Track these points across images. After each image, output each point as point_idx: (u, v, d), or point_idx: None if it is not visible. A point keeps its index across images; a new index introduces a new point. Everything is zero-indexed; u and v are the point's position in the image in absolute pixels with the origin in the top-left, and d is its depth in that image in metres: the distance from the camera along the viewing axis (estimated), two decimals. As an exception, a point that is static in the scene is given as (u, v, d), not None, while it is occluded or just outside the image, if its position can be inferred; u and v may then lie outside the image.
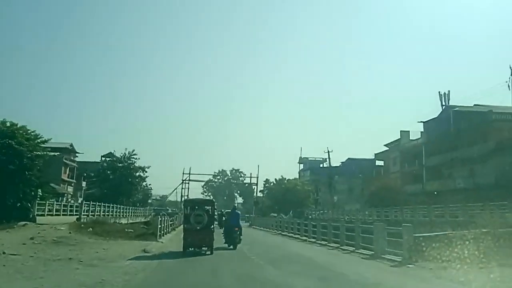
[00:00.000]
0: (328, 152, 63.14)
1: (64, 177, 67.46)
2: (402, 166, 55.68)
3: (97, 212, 31.74)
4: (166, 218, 27.48)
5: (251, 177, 75.42)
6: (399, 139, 57.71)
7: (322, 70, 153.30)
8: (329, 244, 21.40)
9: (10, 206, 27.73)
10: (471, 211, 31.93)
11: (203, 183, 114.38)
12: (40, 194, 33.19)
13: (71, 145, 68.48)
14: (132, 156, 56.14)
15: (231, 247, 18.58)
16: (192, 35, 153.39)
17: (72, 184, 71.08)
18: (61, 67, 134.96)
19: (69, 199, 58.71)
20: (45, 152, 31.26)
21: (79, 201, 50.74)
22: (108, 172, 55.77)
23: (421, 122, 52.16)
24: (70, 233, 21.36)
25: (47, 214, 27.95)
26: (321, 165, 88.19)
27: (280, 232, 35.31)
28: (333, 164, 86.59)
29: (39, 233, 21.15)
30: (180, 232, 31.16)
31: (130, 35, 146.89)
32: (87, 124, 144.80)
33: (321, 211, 57.58)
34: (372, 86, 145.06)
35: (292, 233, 30.62)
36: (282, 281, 9.94)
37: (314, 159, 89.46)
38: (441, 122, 48.88)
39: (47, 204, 29.22)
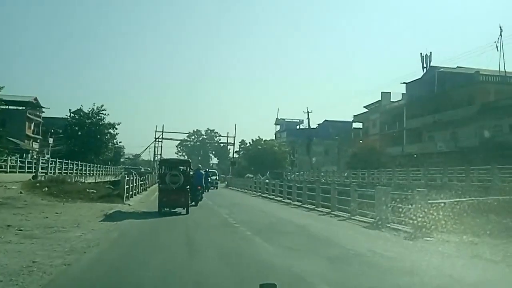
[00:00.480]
0: (308, 112, 60.74)
1: (29, 132, 62.99)
2: (382, 128, 53.78)
3: (58, 169, 28.35)
4: (135, 178, 24.60)
5: (227, 136, 72.17)
6: (379, 100, 55.56)
7: (300, 29, 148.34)
8: (316, 208, 19.10)
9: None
10: (450, 174, 30.33)
11: (177, 143, 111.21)
12: (-9, 148, 29.72)
13: (35, 99, 63.55)
14: (101, 112, 52.12)
15: (193, 203, 18.43)
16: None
17: (38, 141, 66.67)
18: (24, 9, 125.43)
19: (34, 156, 54.66)
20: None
21: (46, 158, 47.02)
22: (76, 128, 51.67)
23: (403, 83, 49.96)
24: (21, 193, 18.22)
25: (0, 171, 24.55)
26: (298, 127, 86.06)
27: (259, 193, 32.96)
28: (311, 126, 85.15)
29: (-18, 192, 17.98)
30: (152, 193, 28.81)
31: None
32: (53, 77, 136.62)
33: (298, 173, 55.47)
34: (351, 46, 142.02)
35: (273, 195, 28.25)
36: (282, 263, 7.27)
37: (291, 120, 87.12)
38: (425, 83, 46.76)
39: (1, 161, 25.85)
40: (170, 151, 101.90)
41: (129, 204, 18.29)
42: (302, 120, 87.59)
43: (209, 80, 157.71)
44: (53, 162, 28.77)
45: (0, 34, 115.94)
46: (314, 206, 19.58)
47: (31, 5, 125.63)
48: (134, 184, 23.19)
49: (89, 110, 51.84)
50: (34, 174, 23.54)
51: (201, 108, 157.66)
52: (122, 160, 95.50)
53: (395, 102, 53.16)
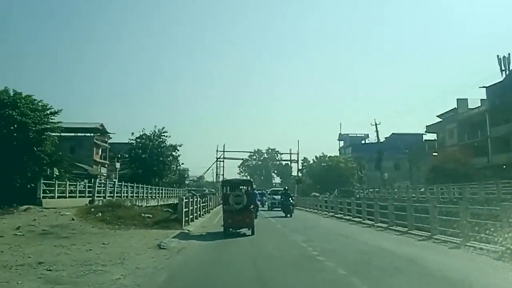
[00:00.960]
0: (376, 124, 56.05)
1: (97, 158, 63.85)
2: (460, 138, 48.14)
3: (117, 193, 26.79)
4: (196, 200, 22.27)
5: (290, 153, 68.56)
6: (455, 108, 50.11)
7: (363, 39, 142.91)
8: (409, 231, 15.45)
9: (17, 187, 23.25)
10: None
11: (239, 163, 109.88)
12: (57, 173, 28.74)
13: (102, 125, 64.41)
14: (163, 134, 51.26)
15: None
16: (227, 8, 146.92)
17: (106, 165, 67.67)
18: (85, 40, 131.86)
19: (102, 181, 54.90)
20: (56, 125, 26.43)
21: (108, 182, 46.63)
22: (139, 151, 51.09)
23: (482, 87, 44.44)
24: (72, 219, 16.29)
25: (59, 196, 23.22)
26: (363, 141, 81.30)
27: (331, 213, 29.56)
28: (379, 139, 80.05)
29: (34, 219, 16.24)
30: (215, 215, 26.37)
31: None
32: (116, 104, 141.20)
33: (368, 190, 50.99)
34: (414, 55, 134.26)
35: (349, 215, 24.70)
36: None
37: (355, 135, 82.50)
38: (509, 86, 41.10)
39: (60, 185, 24.59)
40: (232, 171, 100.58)
41: (188, 230, 15.78)
42: (367, 135, 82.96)
43: (267, 98, 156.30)
44: (112, 186, 27.30)
45: (64, 65, 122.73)
46: (405, 229, 15.96)
47: (91, 36, 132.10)
48: (195, 207, 20.83)
49: (151, 132, 51.21)
50: (91, 198, 21.94)
51: (261, 127, 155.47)
52: (186, 182, 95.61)
53: (473, 108, 47.52)
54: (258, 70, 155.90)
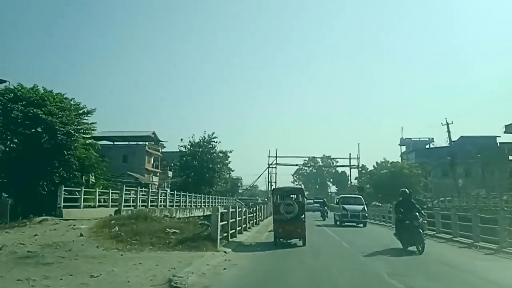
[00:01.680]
0: (447, 124, 49.06)
1: (148, 166, 61.79)
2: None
3: (153, 202, 23.20)
4: (241, 210, 18.06)
5: (350, 158, 62.52)
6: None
7: (423, 33, 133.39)
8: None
9: (42, 195, 20.23)
10: None
11: (293, 171, 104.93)
12: (93, 180, 25.70)
13: (154, 133, 62.34)
14: (213, 140, 47.78)
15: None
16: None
17: (158, 174, 65.60)
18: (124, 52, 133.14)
19: (154, 190, 52.49)
20: (90, 126, 23.36)
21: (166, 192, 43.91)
22: (189, 158, 47.94)
23: None
24: (81, 235, 12.55)
25: (85, 206, 19.91)
26: (427, 146, 73.62)
27: None
28: (442, 144, 72.18)
29: (36, 235, 12.72)
30: (265, 228, 22.11)
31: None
32: (168, 112, 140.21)
33: (440, 198, 44.19)
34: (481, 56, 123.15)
35: (432, 230, 19.18)
36: None
37: (418, 139, 74.93)
38: None
39: (91, 193, 21.36)
40: (286, 180, 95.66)
41: (224, 252, 11.40)
42: (432, 139, 75.12)
43: (321, 102, 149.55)
44: (155, 194, 23.86)
45: (118, 72, 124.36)
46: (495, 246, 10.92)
47: (138, 42, 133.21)
48: (239, 219, 16.55)
49: (200, 139, 47.91)
50: (117, 208, 18.36)
51: (315, 132, 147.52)
52: (240, 191, 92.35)
53: None
54: (311, 72, 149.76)
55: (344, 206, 27.45)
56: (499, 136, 64.16)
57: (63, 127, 21.00)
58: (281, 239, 14.78)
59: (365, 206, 28.41)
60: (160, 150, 66.85)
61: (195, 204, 31.71)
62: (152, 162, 63.71)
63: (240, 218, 17.07)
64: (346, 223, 26.29)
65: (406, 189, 14.94)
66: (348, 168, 74.69)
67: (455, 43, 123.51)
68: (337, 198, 33.64)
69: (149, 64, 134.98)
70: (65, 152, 21.62)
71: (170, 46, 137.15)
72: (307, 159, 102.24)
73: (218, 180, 48.74)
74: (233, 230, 14.96)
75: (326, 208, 37.51)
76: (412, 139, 75.04)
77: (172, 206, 25.70)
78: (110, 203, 21.65)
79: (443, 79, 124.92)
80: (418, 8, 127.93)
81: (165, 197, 25.71)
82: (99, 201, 22.27)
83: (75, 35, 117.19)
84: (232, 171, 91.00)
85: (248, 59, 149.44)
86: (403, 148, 76.49)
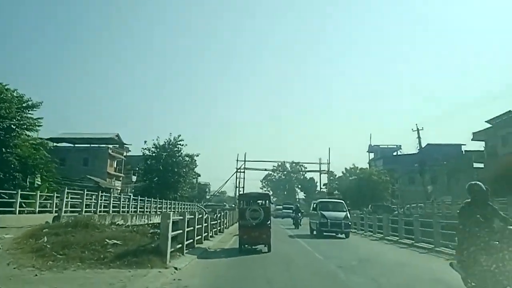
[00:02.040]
0: (418, 130, 48.42)
1: (111, 170, 58.29)
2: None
3: (104, 207, 20.61)
4: (202, 217, 15.87)
5: (320, 163, 60.59)
6: (508, 111, 42.23)
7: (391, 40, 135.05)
8: None
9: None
10: None
11: (261, 177, 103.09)
12: (39, 183, 22.83)
13: (117, 135, 58.99)
14: (178, 143, 45.19)
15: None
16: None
17: (121, 179, 62.15)
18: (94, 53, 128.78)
19: (116, 195, 49.22)
20: (35, 121, 20.59)
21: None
22: (153, 161, 45.14)
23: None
24: (-1, 248, 10.02)
25: (26, 212, 17.20)
26: (395, 153, 73.51)
27: (378, 235, 22.85)
28: (409, 151, 72.17)
29: None
30: (229, 237, 20.37)
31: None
32: (132, 115, 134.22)
33: (407, 205, 43.24)
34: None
35: (406, 237, 17.73)
36: None
37: (386, 146, 74.73)
38: None
39: (34, 197, 18.57)
40: (254, 185, 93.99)
41: (174, 269, 9.13)
42: (400, 146, 75.20)
43: (291, 109, 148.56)
44: (107, 199, 21.23)
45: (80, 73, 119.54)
46: None
47: (101, 43, 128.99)
48: (198, 227, 14.34)
49: (166, 141, 45.23)
50: (56, 214, 15.78)
51: (285, 139, 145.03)
52: (207, 197, 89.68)
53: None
54: (281, 75, 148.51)
55: (323, 212, 23.18)
56: (464, 144, 64.73)
57: (1, 121, 18.25)
58: (246, 245, 14.64)
59: (348, 213, 24.11)
60: (124, 154, 63.47)
61: (154, 210, 29.03)
62: (115, 165, 60.30)
63: (200, 225, 14.85)
64: (325, 233, 22.51)
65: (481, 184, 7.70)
66: (318, 174, 73.28)
67: (428, 48, 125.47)
68: (314, 203, 28.15)
69: (115, 64, 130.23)
70: (3, 150, 18.84)
71: (137, 46, 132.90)
72: (276, 165, 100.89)
73: (183, 185, 46.14)
74: (190, 240, 12.72)
75: (299, 215, 33.67)
76: (380, 146, 74.75)
77: (127, 212, 23.09)
78: (54, 209, 18.93)
79: (414, 85, 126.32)
80: (384, 9, 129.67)
81: (118, 202, 23.01)
82: (45, 206, 19.59)
83: (36, 30, 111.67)
84: (199, 176, 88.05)
85: (215, 61, 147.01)
86: (371, 155, 76.10)
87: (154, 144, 45.06)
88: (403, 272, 10.25)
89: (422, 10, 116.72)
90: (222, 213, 23.77)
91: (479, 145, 49.61)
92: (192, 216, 13.64)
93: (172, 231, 10.25)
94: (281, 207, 61.27)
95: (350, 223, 23.54)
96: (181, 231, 11.40)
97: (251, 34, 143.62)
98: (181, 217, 11.87)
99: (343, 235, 22.30)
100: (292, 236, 23.42)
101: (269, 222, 14.79)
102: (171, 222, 9.98)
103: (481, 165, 47.88)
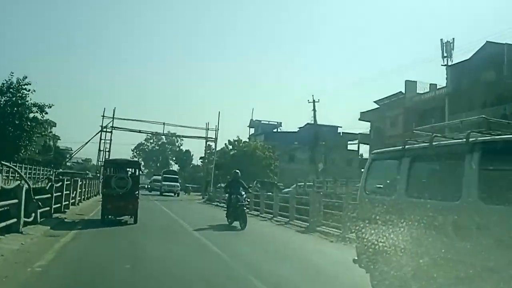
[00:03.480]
0: (314, 102, 43.81)
1: None
2: (407, 127, 38.41)
3: None
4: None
5: (207, 129, 49.15)
6: (399, 92, 40.48)
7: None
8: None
9: None
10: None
11: (133, 147, 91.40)
12: None
13: None
14: (23, 87, 32.93)
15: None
16: None
17: None
18: None
19: None
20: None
21: None
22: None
23: (445, 65, 34.91)
24: None
25: None
26: (276, 130, 69.98)
27: (266, 216, 20.07)
28: (289, 129, 69.45)
29: None
30: (90, 208, 18.24)
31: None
32: None
33: (299, 184, 38.65)
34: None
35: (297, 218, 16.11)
36: None
37: (267, 122, 70.79)
38: (478, 65, 32.02)
39: None
40: (126, 155, 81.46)
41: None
42: (280, 123, 72.10)
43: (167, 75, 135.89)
44: None
45: None
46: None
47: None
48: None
49: (3, 83, 32.52)
50: None
51: (161, 101, 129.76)
52: (68, 164, 75.37)
53: (425, 93, 38.21)
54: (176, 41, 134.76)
55: None
56: (341, 126, 64.24)
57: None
58: (110, 216, 13.89)
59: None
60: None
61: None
62: None
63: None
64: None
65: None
66: (199, 142, 65.17)
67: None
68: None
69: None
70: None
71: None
72: (150, 134, 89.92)
73: (28, 143, 33.97)
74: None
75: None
76: (262, 122, 70.57)
77: None
78: None
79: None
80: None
81: None
82: None
83: None
84: (58, 139, 72.31)
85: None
86: (252, 130, 71.48)
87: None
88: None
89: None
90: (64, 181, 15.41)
91: (366, 126, 47.74)
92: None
93: None
94: (159, 177, 50.15)
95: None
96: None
97: None
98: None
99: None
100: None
101: (137, 192, 14.14)
102: None
103: (367, 147, 46.15)
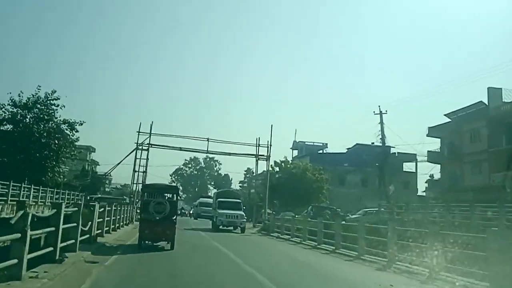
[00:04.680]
0: (381, 113, 36.91)
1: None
2: (493, 141, 31.04)
3: None
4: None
5: (257, 145, 38.81)
6: (478, 102, 33.36)
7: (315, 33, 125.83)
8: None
9: None
10: None
11: (171, 172, 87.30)
12: None
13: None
14: (51, 102, 28.67)
15: None
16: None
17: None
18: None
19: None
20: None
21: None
22: (7, 126, 28.11)
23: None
24: None
25: None
26: (321, 151, 63.38)
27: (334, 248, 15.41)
28: (337, 150, 62.85)
29: None
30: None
31: None
32: None
33: (367, 210, 31.99)
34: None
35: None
36: None
37: (312, 143, 64.42)
38: None
39: None
40: (162, 179, 76.99)
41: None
42: (326, 144, 65.43)
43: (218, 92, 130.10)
44: None
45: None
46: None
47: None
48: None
49: (30, 96, 28.35)
50: None
51: (204, 119, 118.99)
52: (107, 189, 71.75)
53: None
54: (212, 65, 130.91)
55: None
56: (393, 147, 56.88)
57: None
58: (147, 242, 13.43)
59: None
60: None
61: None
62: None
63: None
64: None
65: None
66: (235, 166, 59.91)
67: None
68: None
69: None
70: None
71: None
72: (188, 159, 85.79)
73: (54, 164, 29.36)
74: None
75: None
76: (306, 143, 64.29)
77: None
78: None
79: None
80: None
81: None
82: None
83: None
84: (98, 164, 68.77)
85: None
86: (295, 153, 65.19)
87: (11, 100, 27.97)
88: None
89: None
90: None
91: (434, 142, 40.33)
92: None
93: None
94: (209, 200, 41.70)
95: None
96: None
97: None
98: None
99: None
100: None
101: (175, 217, 13.66)
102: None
103: (438, 166, 38.76)
